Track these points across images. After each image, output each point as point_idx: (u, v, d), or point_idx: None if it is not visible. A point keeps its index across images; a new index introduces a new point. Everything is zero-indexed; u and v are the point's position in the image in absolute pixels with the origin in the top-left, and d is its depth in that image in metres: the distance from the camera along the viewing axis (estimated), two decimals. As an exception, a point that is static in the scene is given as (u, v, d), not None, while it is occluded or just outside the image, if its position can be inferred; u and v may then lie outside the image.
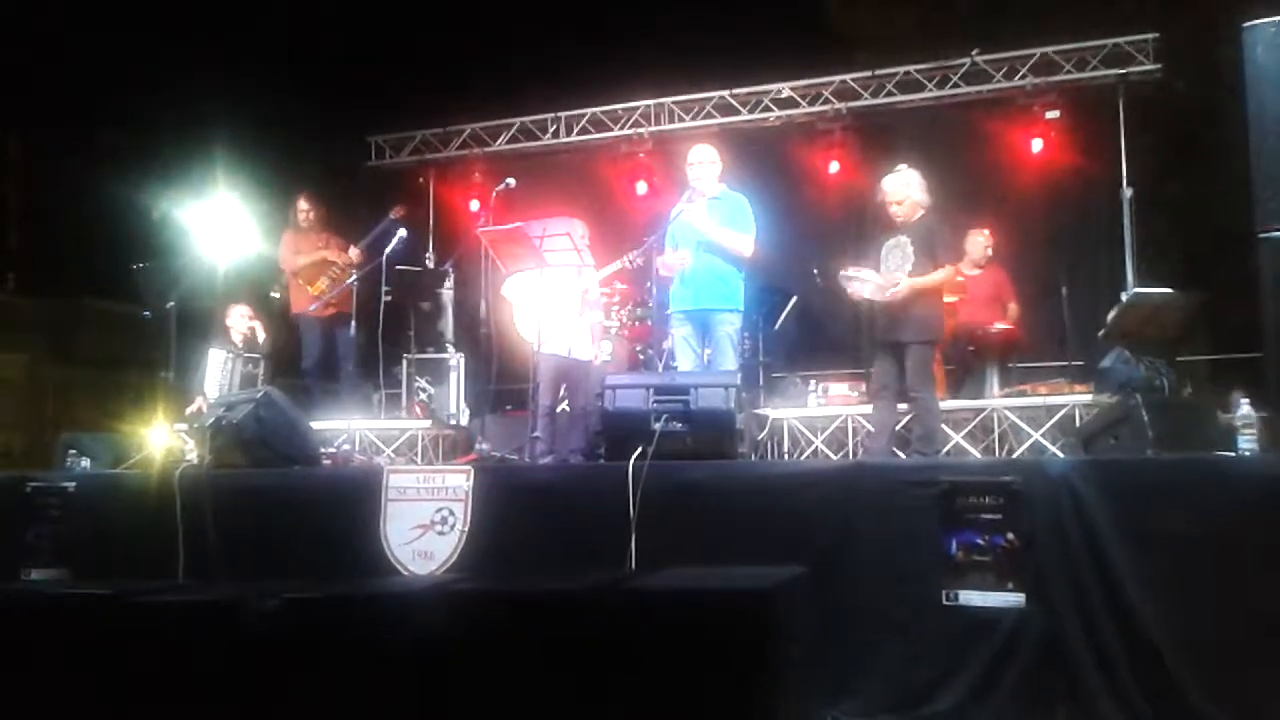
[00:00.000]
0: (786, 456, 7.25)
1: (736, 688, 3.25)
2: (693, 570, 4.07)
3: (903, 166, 6.34)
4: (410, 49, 10.83)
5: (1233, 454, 4.60)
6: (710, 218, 6.23)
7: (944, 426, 6.78)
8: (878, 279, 6.03)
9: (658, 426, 4.96)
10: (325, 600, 3.85)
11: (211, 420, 5.89)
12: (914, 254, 6.04)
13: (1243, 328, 5.52)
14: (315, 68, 10.08)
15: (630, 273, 7.33)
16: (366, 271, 7.91)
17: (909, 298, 5.97)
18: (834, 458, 7.03)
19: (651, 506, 4.63)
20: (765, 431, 7.24)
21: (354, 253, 8.22)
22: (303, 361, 8.29)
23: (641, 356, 7.86)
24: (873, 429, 6.49)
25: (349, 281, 7.99)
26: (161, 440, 6.72)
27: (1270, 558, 4.00)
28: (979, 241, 8.13)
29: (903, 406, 6.28)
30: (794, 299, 8.51)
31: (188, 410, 7.51)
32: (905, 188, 6.21)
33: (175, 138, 9.58)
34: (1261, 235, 4.67)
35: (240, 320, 8.12)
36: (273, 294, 8.60)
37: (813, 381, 8.03)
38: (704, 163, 6.39)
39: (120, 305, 9.47)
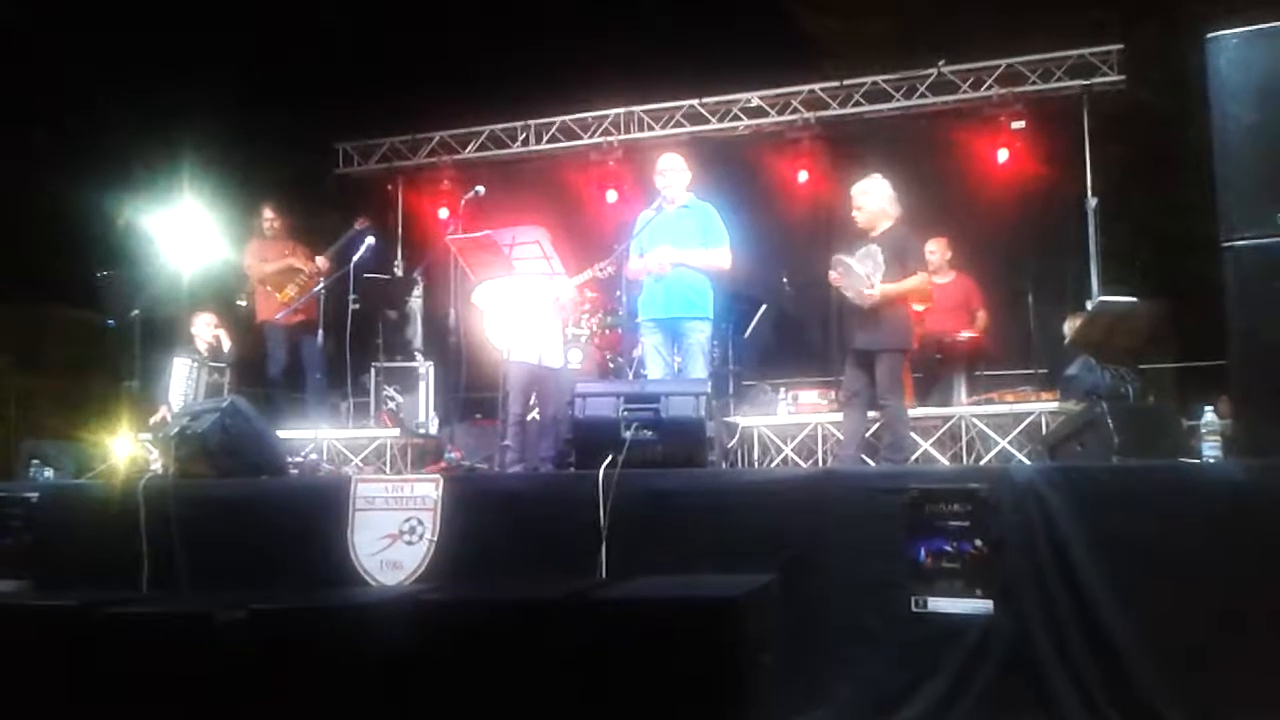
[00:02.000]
0: (757, 464, 7.26)
1: (707, 696, 3.25)
2: (663, 579, 4.07)
3: (875, 175, 6.38)
4: (379, 55, 10.80)
5: (1197, 461, 4.65)
6: (681, 227, 6.25)
7: (912, 434, 6.82)
8: (861, 283, 6.05)
9: (628, 435, 4.94)
10: (292, 611, 3.82)
11: (176, 429, 5.82)
12: (885, 262, 6.08)
13: (1207, 336, 5.58)
14: (283, 74, 10.01)
15: (600, 281, 7.33)
16: (334, 280, 7.86)
17: (879, 306, 6.00)
18: (804, 466, 7.04)
19: (622, 515, 4.62)
20: (735, 439, 7.25)
21: (321, 261, 8.18)
22: (269, 370, 8.22)
23: (612, 365, 7.85)
24: (842, 437, 6.52)
25: (316, 289, 7.94)
26: (126, 450, 6.65)
27: (1234, 564, 4.04)
28: (930, 249, 8.16)
29: (872, 414, 6.31)
30: (764, 307, 8.54)
31: (152, 419, 7.43)
32: (865, 195, 6.28)
33: (141, 144, 9.48)
34: (1225, 244, 4.72)
35: (205, 329, 8.05)
36: (239, 302, 8.53)
37: (782, 389, 8.06)
38: (672, 170, 6.41)
39: (84, 313, 9.36)
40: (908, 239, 6.19)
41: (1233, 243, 4.71)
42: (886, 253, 6.09)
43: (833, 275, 6.20)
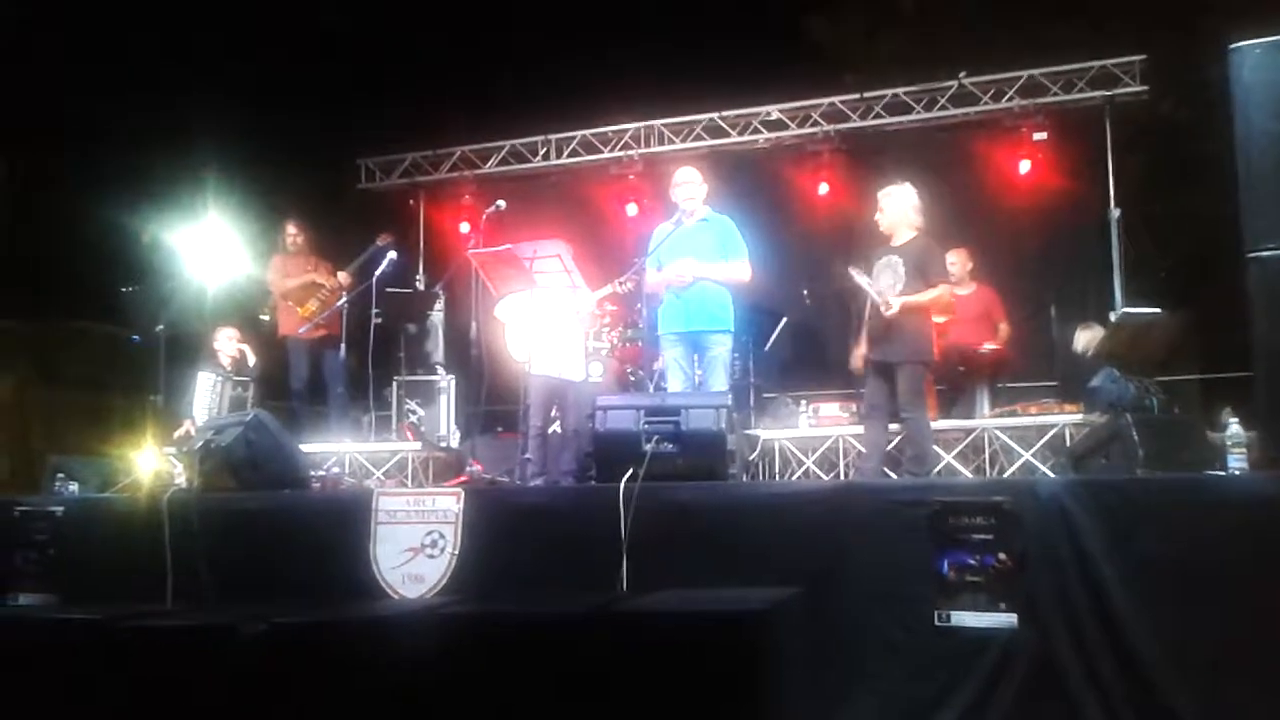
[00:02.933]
0: (778, 477, 7.25)
1: (731, 709, 3.23)
2: (685, 592, 4.06)
3: (905, 183, 6.37)
4: (400, 72, 10.86)
5: (1223, 473, 4.61)
6: (699, 241, 6.25)
7: (935, 447, 6.79)
8: (877, 296, 6.05)
9: (649, 448, 4.93)
10: (315, 624, 3.83)
11: (200, 443, 5.86)
12: (905, 274, 6.07)
13: (1232, 347, 5.54)
14: (305, 90, 10.08)
15: (621, 294, 7.36)
16: (356, 294, 7.91)
17: (899, 317, 5.99)
18: (825, 478, 7.02)
19: (643, 528, 4.60)
20: (756, 452, 7.24)
21: (343, 276, 8.23)
22: (292, 384, 8.27)
23: (632, 378, 7.86)
24: (864, 449, 6.49)
25: (338, 304, 7.99)
26: (150, 464, 6.68)
27: (1261, 577, 4.00)
28: (950, 261, 8.14)
29: (894, 427, 6.29)
30: (784, 320, 8.53)
31: (176, 434, 7.48)
32: (889, 198, 6.30)
33: (165, 160, 9.56)
34: (1250, 255, 4.69)
35: (228, 343, 8.11)
36: (262, 316, 8.59)
37: (803, 402, 8.04)
38: (688, 184, 6.42)
39: (109, 328, 9.44)
40: (929, 251, 6.17)
41: (1257, 253, 4.68)
42: (908, 264, 6.08)
43: (851, 283, 6.20)
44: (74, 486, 6.55)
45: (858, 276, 6.20)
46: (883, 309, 6.00)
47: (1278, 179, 4.69)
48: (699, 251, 6.29)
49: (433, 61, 11.07)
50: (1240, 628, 3.99)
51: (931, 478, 6.08)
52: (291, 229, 8.45)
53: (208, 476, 5.71)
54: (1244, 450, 4.68)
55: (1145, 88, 9.14)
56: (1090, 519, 4.21)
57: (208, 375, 7.91)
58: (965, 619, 4.28)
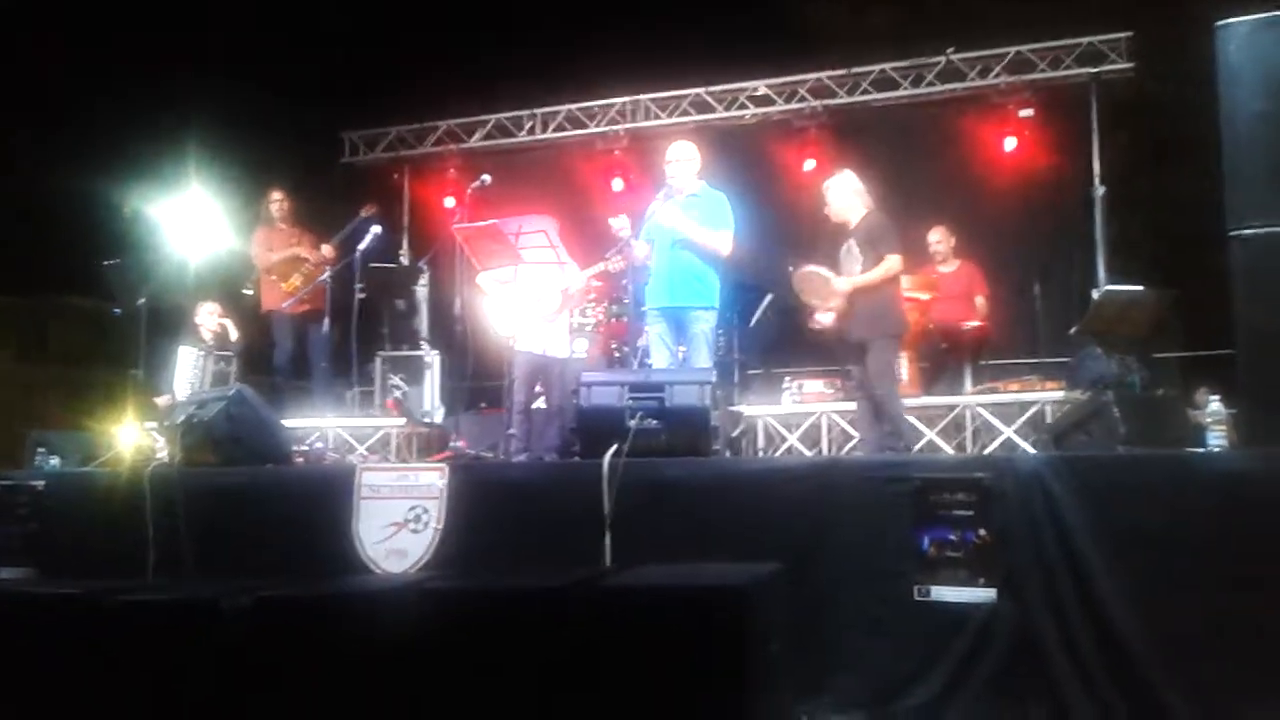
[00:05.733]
0: (761, 453, 7.26)
1: (713, 684, 3.25)
2: (668, 567, 4.07)
3: (844, 170, 6.41)
4: (386, 45, 10.76)
5: (1203, 450, 4.64)
6: (688, 215, 6.23)
7: (917, 423, 6.82)
8: (822, 287, 6.14)
9: (633, 424, 4.94)
10: (297, 599, 3.82)
11: (182, 418, 5.84)
12: (860, 254, 6.13)
13: (1214, 325, 5.57)
14: (289, 63, 9.98)
15: (611, 271, 7.35)
16: (340, 269, 7.87)
17: (860, 295, 6.03)
18: (809, 454, 7.04)
19: (626, 504, 4.62)
20: (740, 428, 7.25)
21: (327, 250, 8.18)
22: (275, 359, 8.23)
23: (617, 354, 7.85)
24: (857, 430, 6.54)
25: (322, 278, 7.94)
26: (132, 438, 6.66)
27: (1239, 553, 4.03)
28: (932, 239, 8.18)
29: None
30: (769, 296, 8.52)
31: (157, 403, 7.45)
32: (830, 191, 6.39)
33: (147, 133, 9.48)
34: (1232, 233, 4.71)
35: (210, 317, 8.07)
36: (245, 290, 8.54)
37: (787, 378, 8.05)
38: (682, 159, 6.38)
39: (91, 302, 9.38)
40: (876, 225, 6.20)
41: (1240, 231, 4.70)
42: (860, 243, 6.14)
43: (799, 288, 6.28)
44: (55, 460, 6.54)
45: (807, 269, 6.24)
46: (819, 316, 6.18)
47: (1262, 158, 4.70)
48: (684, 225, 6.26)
49: (418, 34, 10.97)
50: (1219, 603, 4.02)
51: (913, 454, 6.10)
52: (277, 195, 8.39)
53: (189, 451, 5.70)
54: (1224, 427, 4.72)
55: (1132, 65, 9.15)
56: (1071, 495, 4.24)
57: (190, 350, 7.87)
58: (945, 594, 4.31)
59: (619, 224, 7.04)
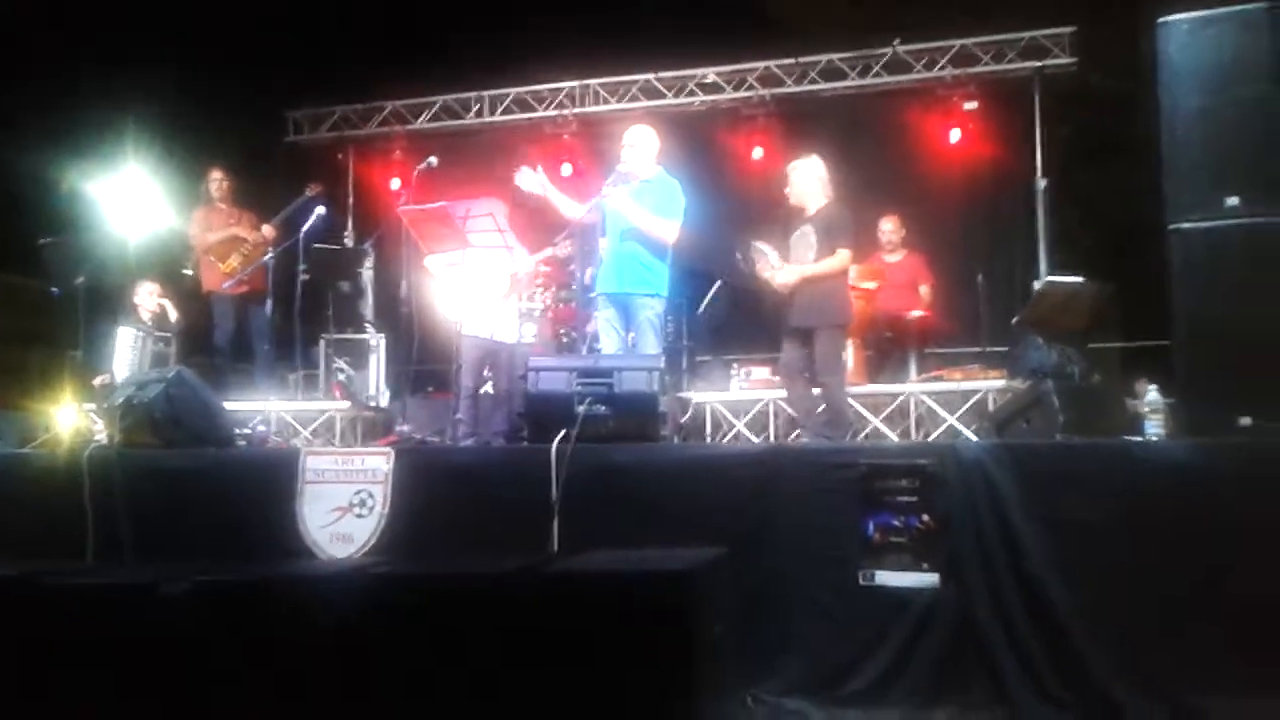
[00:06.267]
0: (709, 439, 7.29)
1: (659, 668, 3.26)
2: (615, 553, 4.07)
3: (812, 155, 6.44)
4: (331, 21, 10.59)
5: (1140, 439, 4.74)
6: (640, 202, 6.20)
7: (863, 410, 6.89)
8: (772, 269, 6.18)
9: (581, 409, 4.94)
10: (239, 584, 3.77)
11: (121, 399, 5.73)
12: (816, 242, 6.18)
13: (1152, 317, 5.69)
14: (231, 39, 9.79)
15: (559, 257, 7.32)
16: (283, 249, 7.76)
17: (807, 284, 6.07)
18: (756, 441, 7.09)
19: (574, 489, 4.62)
20: (688, 415, 7.27)
21: (267, 230, 8.07)
22: (215, 340, 8.10)
23: (565, 339, 7.83)
24: (796, 414, 6.57)
25: (263, 259, 7.83)
26: (70, 420, 6.53)
27: (1176, 542, 4.13)
28: (885, 229, 8.27)
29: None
30: (718, 283, 8.55)
31: (95, 383, 7.31)
32: (795, 172, 6.44)
33: (85, 109, 9.25)
34: (1171, 227, 4.81)
35: (149, 298, 7.93)
36: (185, 271, 8.40)
37: (735, 365, 8.09)
38: (638, 144, 6.34)
39: (27, 281, 9.16)
40: (835, 217, 6.25)
41: (1178, 225, 4.80)
42: (818, 232, 6.19)
43: (757, 267, 6.32)
44: (-9, 441, 6.40)
45: (759, 245, 6.33)
46: (776, 278, 6.19)
47: (1200, 153, 4.81)
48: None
49: (366, 14, 10.82)
50: (1154, 591, 4.12)
51: (859, 442, 6.16)
52: (216, 174, 8.26)
53: (129, 433, 5.59)
54: (1160, 417, 4.82)
55: (1074, 60, 9.29)
56: (1011, 482, 4.32)
57: (128, 330, 7.73)
58: (889, 579, 4.37)
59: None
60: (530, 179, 6.28)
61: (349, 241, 10.51)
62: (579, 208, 6.35)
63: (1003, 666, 4.18)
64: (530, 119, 10.75)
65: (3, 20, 8.68)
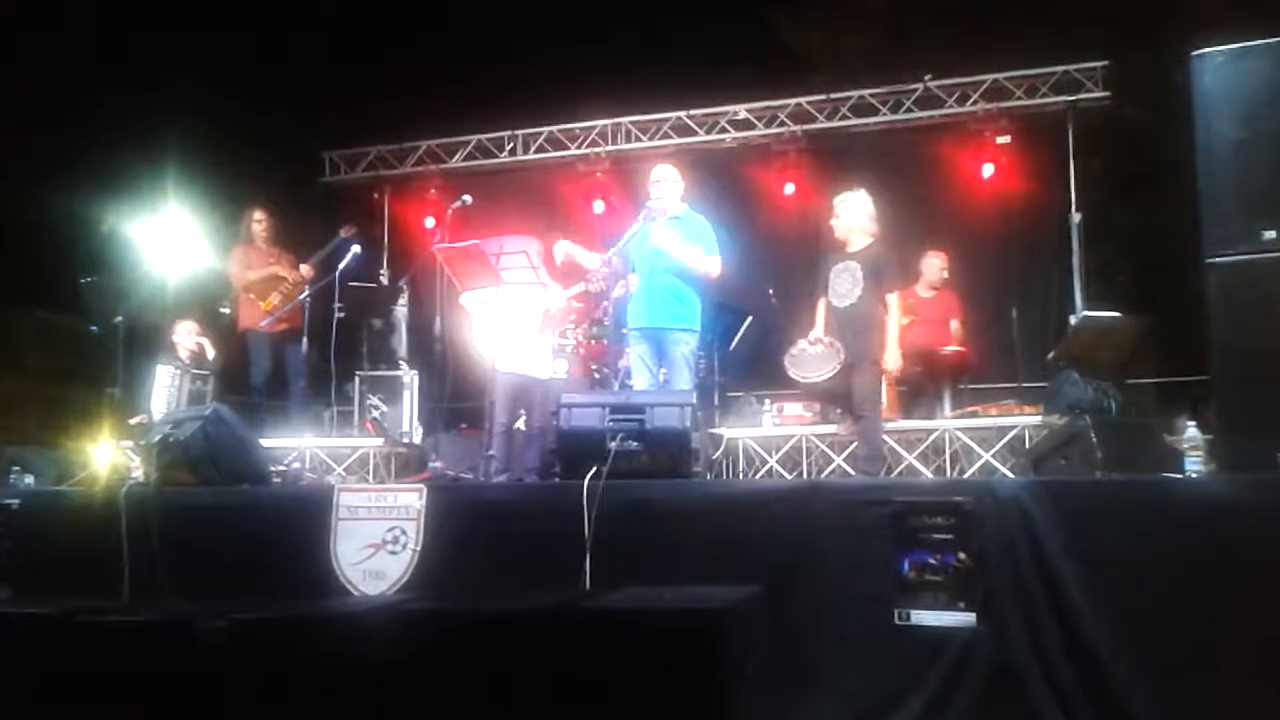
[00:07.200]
0: (741, 476, 7.26)
1: (691, 706, 3.23)
2: (648, 590, 4.06)
3: (860, 190, 6.44)
4: (367, 64, 10.77)
5: (1180, 475, 4.67)
6: (670, 236, 6.24)
7: (896, 447, 6.84)
8: (822, 363, 6.19)
9: (613, 445, 4.93)
10: (274, 621, 3.79)
11: (158, 437, 5.78)
12: (863, 279, 6.17)
13: (1190, 351, 5.62)
14: (270, 81, 9.97)
15: (592, 292, 7.35)
16: (319, 288, 7.84)
17: (861, 319, 6.07)
18: (788, 477, 7.05)
19: (606, 525, 4.60)
20: (720, 451, 7.25)
21: (305, 269, 8.16)
22: (252, 378, 8.18)
23: (597, 375, 7.84)
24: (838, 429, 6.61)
25: (301, 298, 7.91)
26: (107, 457, 6.60)
27: (1216, 579, 4.05)
28: (934, 264, 8.22)
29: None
30: (749, 319, 8.55)
31: (132, 421, 7.38)
32: (844, 205, 6.46)
33: (125, 149, 9.43)
34: (1209, 260, 4.76)
35: (187, 336, 8.02)
36: (222, 309, 8.50)
37: (767, 401, 8.06)
38: (666, 181, 6.40)
39: (67, 319, 9.30)
40: (884, 256, 6.27)
41: (1215, 259, 4.74)
42: (865, 269, 6.20)
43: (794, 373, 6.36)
44: (30, 479, 6.47)
45: (794, 352, 6.43)
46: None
47: (1238, 186, 4.75)
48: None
49: (400, 54, 10.99)
50: (1197, 630, 4.04)
51: (893, 478, 6.12)
52: (258, 214, 8.38)
53: (165, 471, 5.64)
54: (1200, 453, 4.74)
55: (1108, 94, 9.25)
56: (1049, 520, 4.25)
57: (166, 368, 7.81)
58: (925, 618, 4.31)
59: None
60: (559, 251, 6.43)
61: (384, 279, 10.59)
62: (604, 256, 6.41)
63: (1041, 707, 4.10)
64: (563, 157, 10.83)
65: (45, 64, 8.88)
